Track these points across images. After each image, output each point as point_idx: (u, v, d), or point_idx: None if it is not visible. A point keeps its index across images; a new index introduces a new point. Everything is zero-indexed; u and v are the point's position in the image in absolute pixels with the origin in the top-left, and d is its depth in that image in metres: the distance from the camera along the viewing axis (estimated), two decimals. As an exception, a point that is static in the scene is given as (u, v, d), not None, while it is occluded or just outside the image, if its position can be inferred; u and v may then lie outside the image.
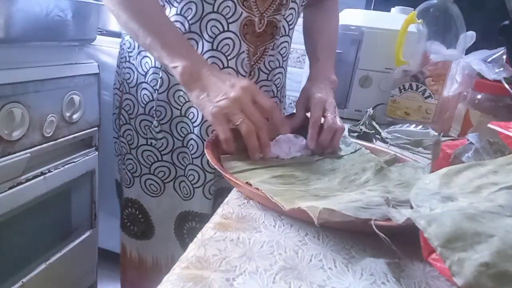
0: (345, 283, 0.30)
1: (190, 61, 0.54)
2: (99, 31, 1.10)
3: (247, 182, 0.45)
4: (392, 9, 1.05)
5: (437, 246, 0.28)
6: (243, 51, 0.65)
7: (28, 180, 0.83)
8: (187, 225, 0.73)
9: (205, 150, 0.51)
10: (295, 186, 0.46)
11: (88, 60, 1.02)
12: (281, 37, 0.68)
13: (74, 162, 0.97)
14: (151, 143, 0.70)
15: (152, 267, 0.79)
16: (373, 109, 0.84)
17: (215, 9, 0.61)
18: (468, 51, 0.93)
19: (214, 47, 0.63)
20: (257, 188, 0.42)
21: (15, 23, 0.77)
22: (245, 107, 0.50)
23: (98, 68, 1.01)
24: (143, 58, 0.69)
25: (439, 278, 0.33)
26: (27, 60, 0.82)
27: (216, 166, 0.47)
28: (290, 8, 0.67)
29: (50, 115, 0.86)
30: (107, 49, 1.22)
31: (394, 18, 0.95)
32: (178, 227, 0.74)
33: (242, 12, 0.62)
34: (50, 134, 0.87)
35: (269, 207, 0.41)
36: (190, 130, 0.68)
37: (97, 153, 1.06)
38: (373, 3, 1.48)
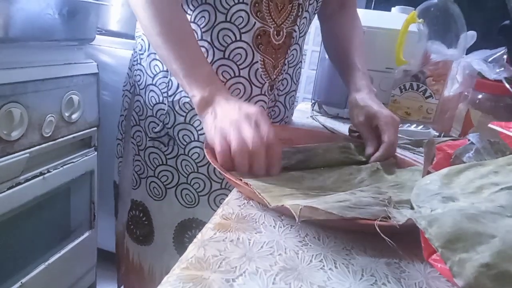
0: (346, 284, 0.30)
1: (208, 92, 0.54)
2: (98, 31, 1.09)
3: (238, 178, 0.44)
4: (393, 8, 1.05)
5: (438, 247, 0.28)
6: (256, 61, 0.65)
7: (27, 180, 0.83)
8: (190, 233, 0.72)
9: (204, 149, 0.51)
10: (288, 184, 0.46)
11: (87, 60, 1.01)
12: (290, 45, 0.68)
13: (73, 162, 0.97)
14: (157, 145, 0.70)
15: (148, 277, 0.79)
16: (373, 109, 0.83)
17: (228, 19, 0.61)
18: (469, 50, 0.93)
19: (226, 56, 0.63)
20: (247, 183, 0.42)
21: (14, 22, 0.77)
22: (242, 128, 0.47)
23: (97, 68, 1.01)
24: (152, 60, 0.69)
25: (439, 278, 0.33)
26: (26, 60, 0.82)
27: (215, 166, 0.46)
28: (303, 18, 0.67)
29: (49, 115, 0.85)
30: (106, 49, 1.22)
31: (395, 18, 0.95)
32: (178, 236, 0.73)
33: (255, 22, 0.62)
34: (49, 134, 0.87)
35: (269, 208, 0.41)
36: (194, 138, 0.67)
37: (96, 153, 1.06)
38: (373, 3, 1.48)
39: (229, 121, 0.48)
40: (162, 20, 0.57)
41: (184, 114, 0.67)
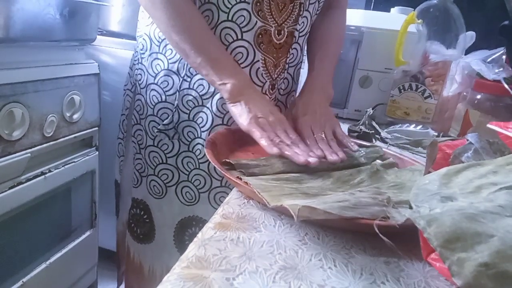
0: (345, 283, 0.30)
1: (238, 80, 0.59)
2: (99, 31, 1.10)
3: (238, 176, 0.45)
4: (392, 9, 1.05)
5: (436, 246, 0.28)
6: (258, 60, 0.65)
7: (28, 180, 0.83)
8: (190, 231, 0.73)
9: (205, 149, 0.51)
10: (287, 183, 0.47)
11: (88, 60, 1.02)
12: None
13: (74, 162, 0.97)
14: (161, 138, 0.70)
15: (148, 277, 0.79)
16: (373, 109, 0.84)
17: (230, 18, 0.62)
18: (468, 51, 0.93)
19: None
20: (246, 183, 0.43)
21: (15, 22, 0.77)
22: (279, 133, 0.55)
23: (98, 68, 1.01)
24: (154, 60, 0.69)
25: (438, 278, 0.33)
26: (27, 60, 0.82)
27: (215, 165, 0.47)
28: (303, 17, 0.67)
29: (50, 115, 0.86)
30: (107, 49, 1.22)
31: (394, 18, 0.95)
32: (178, 234, 0.74)
33: (256, 21, 0.62)
34: (50, 134, 0.87)
35: (269, 208, 0.41)
36: (198, 135, 0.68)
37: (97, 153, 1.06)
38: (372, 3, 1.48)
39: (266, 121, 0.56)
40: (183, 18, 0.59)
41: (188, 111, 0.67)
